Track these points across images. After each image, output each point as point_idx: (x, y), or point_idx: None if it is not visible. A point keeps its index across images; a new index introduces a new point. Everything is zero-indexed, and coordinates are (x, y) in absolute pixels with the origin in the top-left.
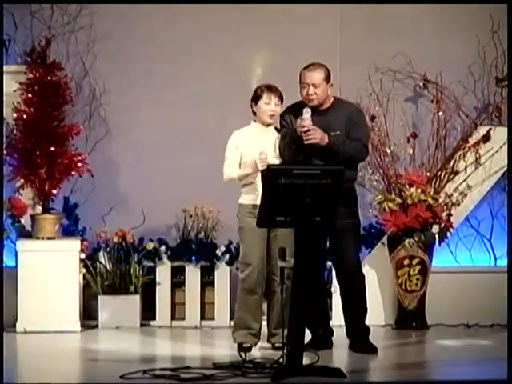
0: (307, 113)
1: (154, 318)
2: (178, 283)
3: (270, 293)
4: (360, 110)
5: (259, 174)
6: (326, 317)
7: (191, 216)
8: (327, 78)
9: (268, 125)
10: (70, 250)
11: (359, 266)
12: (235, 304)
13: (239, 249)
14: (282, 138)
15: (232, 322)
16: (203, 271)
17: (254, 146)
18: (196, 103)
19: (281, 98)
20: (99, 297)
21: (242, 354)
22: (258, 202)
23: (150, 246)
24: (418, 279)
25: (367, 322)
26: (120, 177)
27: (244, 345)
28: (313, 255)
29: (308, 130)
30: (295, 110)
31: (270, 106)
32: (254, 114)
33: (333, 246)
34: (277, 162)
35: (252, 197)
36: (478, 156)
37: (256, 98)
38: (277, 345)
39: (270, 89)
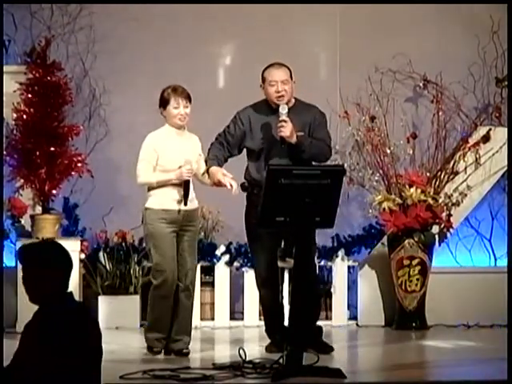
0: (284, 109)
1: None
2: None
3: (175, 298)
4: (322, 112)
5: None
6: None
7: None
8: (291, 76)
9: (180, 127)
10: (70, 250)
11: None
12: (148, 307)
13: (241, 249)
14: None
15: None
16: (203, 271)
17: (171, 149)
18: (195, 103)
19: (189, 99)
20: (99, 297)
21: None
22: (168, 207)
23: None
24: (417, 279)
25: (367, 322)
26: (120, 177)
27: (154, 349)
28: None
29: (284, 121)
30: (256, 109)
31: (178, 109)
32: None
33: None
34: (203, 165)
35: (162, 201)
36: (477, 156)
37: (164, 103)
38: (185, 351)
39: (177, 92)
